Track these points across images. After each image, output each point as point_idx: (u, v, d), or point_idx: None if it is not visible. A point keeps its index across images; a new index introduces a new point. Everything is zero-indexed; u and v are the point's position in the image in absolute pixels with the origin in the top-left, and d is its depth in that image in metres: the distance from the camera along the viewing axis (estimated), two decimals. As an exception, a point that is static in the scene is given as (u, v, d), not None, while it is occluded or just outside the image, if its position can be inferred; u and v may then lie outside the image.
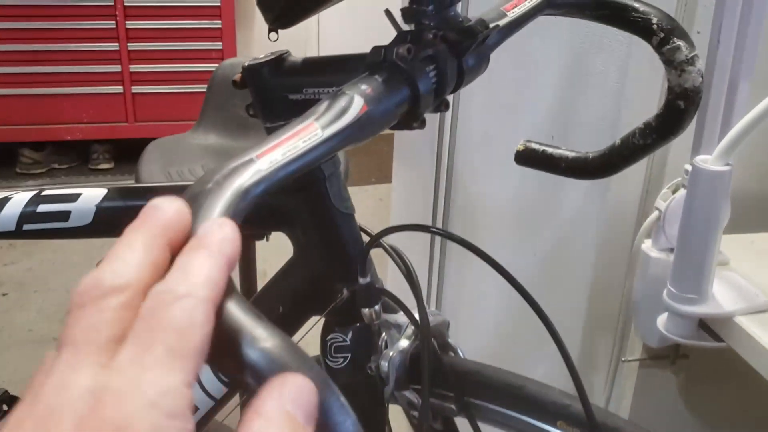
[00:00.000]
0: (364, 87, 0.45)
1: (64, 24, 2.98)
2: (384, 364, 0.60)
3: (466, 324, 1.41)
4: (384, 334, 0.63)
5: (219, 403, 0.65)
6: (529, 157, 0.69)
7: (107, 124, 3.18)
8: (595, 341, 0.98)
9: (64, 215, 0.65)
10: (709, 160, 0.67)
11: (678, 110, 0.59)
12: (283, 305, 0.66)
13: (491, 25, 0.52)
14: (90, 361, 0.23)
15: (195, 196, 0.31)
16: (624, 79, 0.87)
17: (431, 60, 0.49)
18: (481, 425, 0.61)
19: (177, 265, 0.26)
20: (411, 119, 0.49)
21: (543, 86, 1.07)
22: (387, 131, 0.48)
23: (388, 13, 0.54)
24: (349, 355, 0.63)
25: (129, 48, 3.07)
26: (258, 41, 3.47)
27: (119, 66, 3.09)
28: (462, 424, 0.64)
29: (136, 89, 3.14)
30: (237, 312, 0.27)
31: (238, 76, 0.58)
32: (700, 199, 0.67)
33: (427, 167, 1.49)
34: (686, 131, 0.61)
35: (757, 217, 0.87)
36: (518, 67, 1.11)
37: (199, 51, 3.14)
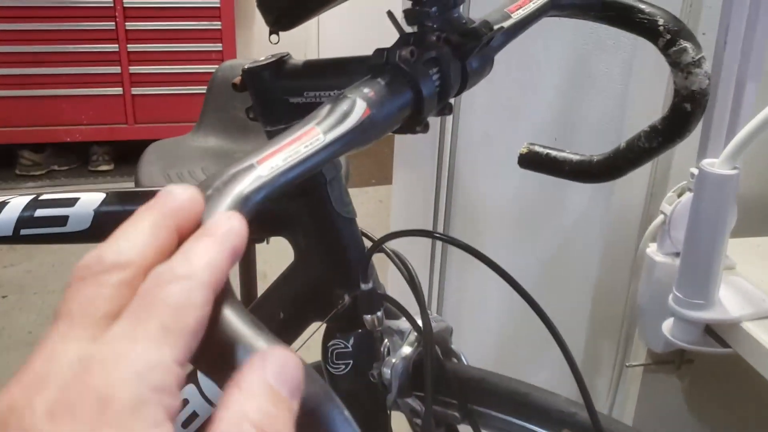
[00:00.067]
0: (366, 90, 0.44)
1: (63, 25, 2.98)
2: (386, 372, 0.59)
3: (468, 328, 1.40)
4: (386, 340, 0.62)
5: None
6: (532, 161, 0.69)
7: (107, 126, 3.17)
8: (598, 346, 0.97)
9: (62, 220, 0.64)
10: (716, 164, 0.66)
11: (684, 113, 0.59)
12: (283, 311, 0.65)
13: (495, 27, 0.51)
14: (82, 334, 0.23)
15: None
16: (628, 81, 0.86)
17: (434, 62, 0.48)
18: (485, 433, 0.61)
19: (181, 250, 0.26)
20: (414, 123, 0.48)
21: (545, 88, 1.06)
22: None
23: (390, 14, 0.53)
24: (351, 361, 0.62)
25: (128, 49, 3.06)
26: (258, 42, 3.46)
27: (119, 67, 3.08)
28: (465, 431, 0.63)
29: (135, 91, 3.14)
30: (234, 320, 0.27)
31: (238, 79, 0.57)
32: (707, 204, 0.66)
33: (428, 169, 1.48)
34: (691, 134, 0.60)
35: (763, 221, 0.86)
36: (520, 68, 1.10)
37: (198, 52, 3.14)
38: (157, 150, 1.49)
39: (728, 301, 0.70)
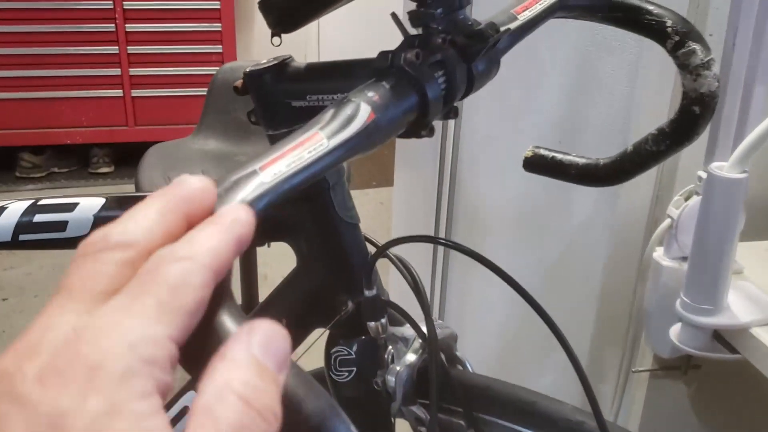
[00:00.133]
0: (370, 94, 0.43)
1: (63, 27, 2.97)
2: (391, 379, 0.58)
3: (470, 332, 1.39)
4: (390, 347, 0.61)
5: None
6: (537, 164, 0.68)
7: (107, 128, 3.16)
8: (602, 351, 0.96)
9: (62, 225, 0.63)
10: (724, 167, 0.65)
11: (693, 116, 0.58)
12: (286, 317, 0.64)
13: (502, 29, 0.50)
14: (79, 306, 0.23)
15: None
16: (634, 83, 0.85)
17: (440, 65, 0.47)
18: (491, 441, 0.60)
19: (186, 235, 0.26)
20: (419, 127, 0.47)
21: (549, 89, 1.05)
22: (389, 134, 0.46)
23: (394, 16, 0.52)
24: (355, 368, 0.61)
25: (129, 51, 3.05)
26: (258, 44, 3.45)
27: (119, 69, 3.07)
28: (471, 439, 0.62)
29: (135, 93, 3.13)
30: (229, 323, 0.26)
31: (239, 83, 0.56)
32: (716, 207, 0.65)
33: (430, 171, 1.47)
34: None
35: (770, 224, 0.86)
36: (524, 69, 1.09)
37: (198, 54, 3.13)
38: (157, 152, 1.48)
39: (737, 307, 0.69)
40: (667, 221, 0.77)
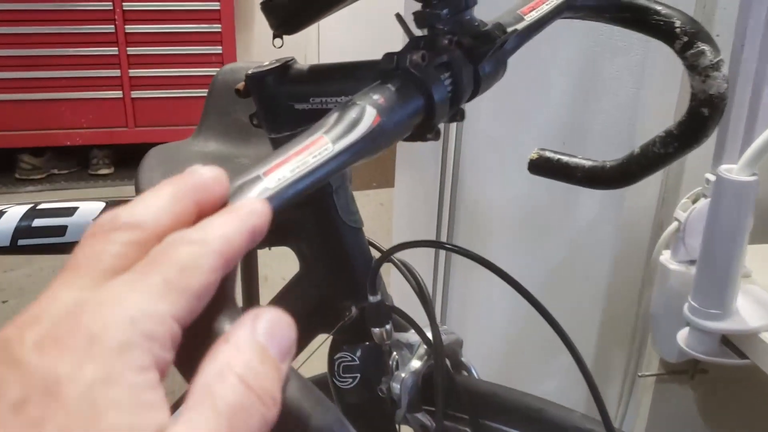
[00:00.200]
0: (376, 97, 0.42)
1: (62, 29, 2.96)
2: (396, 387, 0.57)
3: (473, 337, 1.38)
4: (395, 353, 0.60)
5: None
6: (543, 167, 0.67)
7: (107, 129, 3.15)
8: (608, 355, 0.95)
9: (61, 230, 0.62)
10: (734, 170, 0.64)
11: (702, 118, 0.57)
12: (288, 323, 0.63)
13: (509, 30, 0.49)
14: (84, 283, 0.23)
15: None
16: (640, 84, 0.84)
17: (446, 67, 0.46)
18: (498, 449, 0.59)
19: (200, 222, 0.26)
20: (425, 130, 0.46)
21: (554, 90, 1.04)
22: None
23: (399, 17, 0.51)
24: (359, 375, 0.60)
25: (128, 52, 3.04)
26: (258, 45, 3.44)
27: (119, 71, 3.06)
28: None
29: (135, 94, 3.12)
30: (228, 327, 0.26)
31: (241, 85, 0.55)
32: (725, 211, 0.64)
33: (431, 172, 1.46)
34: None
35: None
36: (528, 70, 1.08)
37: (198, 55, 3.12)
38: (157, 154, 1.47)
39: (745, 311, 0.68)
40: (674, 224, 0.76)
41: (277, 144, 0.56)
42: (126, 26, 3.00)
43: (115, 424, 0.20)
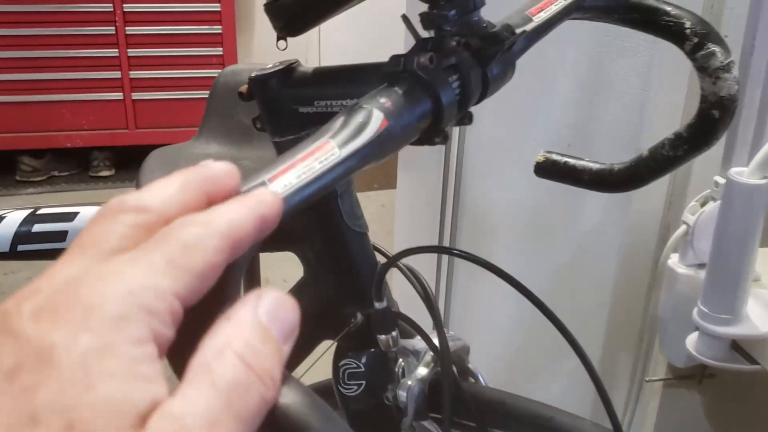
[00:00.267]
0: (383, 100, 0.41)
1: (63, 30, 2.95)
2: (402, 394, 0.56)
3: (476, 341, 1.36)
4: (400, 360, 0.59)
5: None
6: (549, 169, 0.66)
7: (107, 131, 3.14)
8: (614, 359, 0.94)
9: (61, 235, 0.61)
10: (744, 173, 0.63)
11: (712, 120, 0.56)
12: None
13: (518, 31, 0.48)
14: (87, 260, 0.23)
15: None
16: (647, 86, 0.83)
17: (454, 69, 0.45)
18: (506, 458, 0.58)
19: (209, 209, 0.26)
20: (433, 134, 0.45)
21: (559, 92, 1.03)
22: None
23: (405, 18, 0.50)
24: (364, 382, 0.59)
25: (129, 54, 3.04)
26: (258, 47, 3.43)
27: (119, 72, 3.06)
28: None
29: (136, 96, 3.11)
30: None
31: (244, 88, 0.54)
32: (736, 214, 0.63)
33: (434, 173, 1.45)
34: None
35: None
36: (532, 71, 1.07)
37: (199, 57, 3.11)
38: (158, 157, 1.46)
39: (756, 316, 0.67)
40: (683, 227, 0.75)
41: (281, 148, 0.55)
42: (126, 28, 3.00)
43: (109, 394, 0.20)
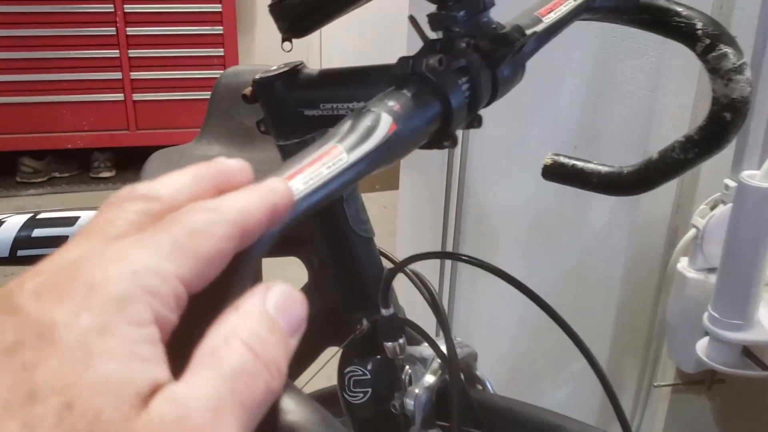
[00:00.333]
0: (391, 103, 0.40)
1: (63, 31, 2.94)
2: (410, 403, 0.55)
3: (480, 345, 1.35)
4: (407, 367, 0.58)
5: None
6: (557, 172, 0.65)
7: (108, 132, 3.13)
8: (621, 363, 0.93)
9: (62, 240, 0.60)
10: (756, 176, 0.62)
11: (723, 122, 0.55)
12: (297, 336, 0.61)
13: (528, 32, 0.47)
14: (92, 243, 0.22)
15: None
16: (655, 87, 0.82)
17: (464, 72, 0.44)
18: (514, 467, 0.57)
19: (218, 197, 0.25)
20: (442, 137, 0.44)
21: (564, 93, 1.02)
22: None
23: (412, 19, 0.49)
24: (370, 389, 0.58)
25: (129, 55, 3.03)
26: (260, 47, 3.42)
27: (120, 73, 3.05)
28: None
29: (137, 97, 3.10)
30: None
31: (248, 90, 0.53)
32: (747, 218, 0.62)
33: (437, 175, 1.44)
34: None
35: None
36: (537, 71, 1.06)
37: (200, 57, 3.10)
38: (160, 158, 1.45)
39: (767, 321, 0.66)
40: (692, 231, 0.74)
41: (286, 151, 0.54)
42: (127, 29, 2.99)
43: (108, 373, 0.19)
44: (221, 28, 3.07)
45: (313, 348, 0.61)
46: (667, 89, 0.81)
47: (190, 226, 0.23)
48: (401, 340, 0.56)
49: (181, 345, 0.22)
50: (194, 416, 0.20)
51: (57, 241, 0.60)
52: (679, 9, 0.55)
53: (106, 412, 0.19)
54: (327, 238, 0.57)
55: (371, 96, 0.41)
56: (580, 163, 0.63)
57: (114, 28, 2.98)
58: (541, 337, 1.09)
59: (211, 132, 1.46)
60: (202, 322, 0.23)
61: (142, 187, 0.25)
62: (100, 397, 0.19)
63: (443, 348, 0.55)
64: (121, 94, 3.08)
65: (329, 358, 0.61)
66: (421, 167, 1.61)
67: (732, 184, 0.66)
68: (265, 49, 3.37)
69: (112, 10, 2.95)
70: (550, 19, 0.51)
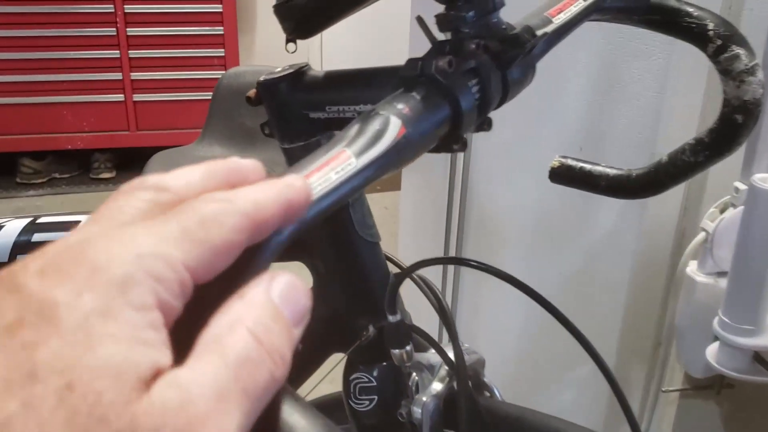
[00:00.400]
0: (400, 106, 0.39)
1: (63, 32, 2.93)
2: (417, 411, 0.54)
3: (483, 350, 1.34)
4: (414, 374, 0.57)
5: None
6: (565, 175, 0.64)
7: (108, 133, 3.12)
8: (628, 368, 0.92)
9: (61, 244, 0.59)
10: (768, 179, 0.61)
11: (735, 124, 0.54)
12: (301, 342, 0.60)
13: (539, 33, 0.46)
14: (99, 228, 0.22)
15: None
16: (663, 89, 0.81)
17: (473, 73, 0.43)
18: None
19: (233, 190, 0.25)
20: (451, 141, 0.43)
21: (570, 94, 1.01)
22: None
23: (420, 20, 0.48)
24: (376, 397, 0.57)
25: (130, 55, 3.02)
26: (260, 48, 3.42)
27: (120, 74, 3.04)
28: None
29: (137, 97, 3.09)
30: None
31: (252, 92, 0.52)
32: (759, 221, 0.61)
33: (440, 176, 1.43)
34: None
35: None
36: (542, 72, 1.05)
37: (200, 58, 3.09)
38: (160, 160, 1.44)
39: (779, 326, 0.65)
40: (702, 234, 0.73)
41: (291, 155, 0.53)
42: (127, 29, 2.98)
43: (109, 356, 0.19)
44: (222, 28, 3.06)
45: (317, 354, 0.60)
46: (675, 90, 0.80)
47: (200, 215, 0.23)
48: (408, 348, 0.54)
49: (185, 335, 0.22)
50: (197, 402, 0.19)
51: (57, 246, 0.59)
52: (690, 9, 0.54)
53: (107, 394, 0.19)
54: (332, 242, 0.56)
55: (378, 98, 0.40)
56: (588, 166, 0.62)
57: (114, 29, 2.97)
58: (545, 340, 1.08)
59: (213, 133, 1.45)
60: (209, 314, 0.22)
61: (153, 178, 0.25)
62: (101, 380, 0.19)
63: (451, 355, 0.54)
64: (122, 95, 3.07)
65: (335, 365, 0.60)
66: (424, 168, 1.60)
67: (742, 186, 0.65)
68: (265, 50, 3.36)
69: (113, 10, 2.94)
70: (560, 19, 0.50)
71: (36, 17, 2.89)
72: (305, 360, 0.59)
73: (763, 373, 0.66)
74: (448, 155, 1.38)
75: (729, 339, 0.65)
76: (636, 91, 0.85)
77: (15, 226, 0.59)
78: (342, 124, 0.51)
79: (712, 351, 0.68)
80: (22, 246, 0.59)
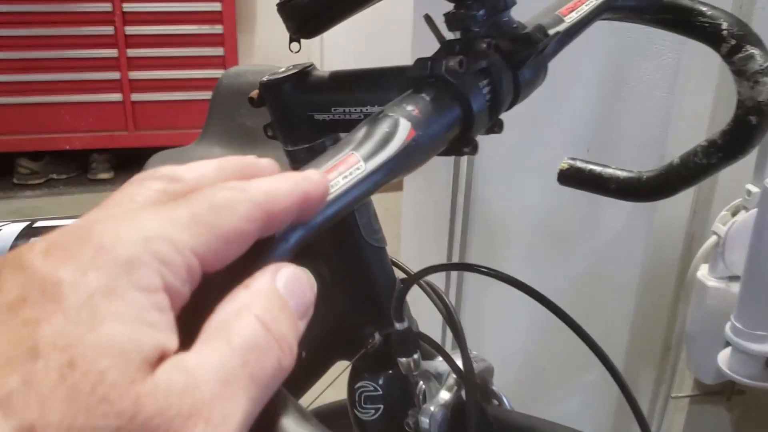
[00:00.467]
0: (409, 108, 0.37)
1: (61, 31, 2.92)
2: (425, 421, 0.53)
3: (488, 355, 1.32)
4: (421, 383, 0.55)
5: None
6: (573, 177, 0.63)
7: (106, 133, 3.11)
8: (637, 373, 0.91)
9: (58, 249, 0.57)
10: (784, 182, 0.60)
11: (749, 126, 0.53)
12: (305, 349, 0.58)
13: (551, 32, 0.45)
14: (109, 212, 0.22)
15: None
16: (672, 89, 0.79)
17: (484, 74, 0.42)
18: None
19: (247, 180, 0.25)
20: (462, 143, 0.41)
21: (576, 94, 0.99)
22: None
23: (428, 19, 0.47)
24: (382, 406, 0.56)
25: (128, 55, 3.00)
26: (259, 47, 3.40)
27: (118, 73, 3.02)
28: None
29: (135, 97, 3.08)
30: None
31: (255, 93, 0.50)
32: (774, 226, 0.60)
33: (443, 177, 1.42)
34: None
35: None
36: (549, 70, 1.03)
37: (200, 57, 3.08)
38: (160, 160, 1.43)
39: (793, 332, 0.64)
40: (713, 238, 0.71)
41: (294, 157, 0.51)
42: (126, 28, 2.96)
43: (113, 335, 0.19)
44: (221, 27, 3.05)
45: (322, 361, 0.59)
46: (685, 91, 0.79)
47: (211, 201, 0.22)
48: (416, 356, 0.53)
49: (193, 323, 0.22)
50: (202, 386, 0.19)
51: (54, 251, 0.57)
52: (704, 8, 0.53)
53: (110, 373, 0.18)
54: (338, 247, 0.55)
55: (385, 99, 0.38)
56: (597, 168, 0.61)
57: (112, 28, 2.95)
58: (551, 346, 1.06)
59: (213, 133, 1.44)
60: (217, 304, 0.22)
61: (165, 168, 0.24)
62: (104, 359, 0.18)
63: (459, 363, 0.52)
64: (120, 95, 3.06)
65: (340, 373, 0.58)
66: (427, 170, 1.58)
67: (755, 189, 0.63)
68: (265, 49, 3.34)
69: (111, 9, 2.92)
70: (572, 18, 0.49)
71: (33, 16, 2.88)
72: (309, 367, 0.58)
73: (776, 379, 0.65)
74: (452, 157, 1.36)
75: (742, 345, 0.64)
76: (645, 91, 0.84)
77: (11, 230, 0.58)
78: (348, 126, 0.49)
79: (723, 357, 0.67)
80: (18, 251, 0.57)
